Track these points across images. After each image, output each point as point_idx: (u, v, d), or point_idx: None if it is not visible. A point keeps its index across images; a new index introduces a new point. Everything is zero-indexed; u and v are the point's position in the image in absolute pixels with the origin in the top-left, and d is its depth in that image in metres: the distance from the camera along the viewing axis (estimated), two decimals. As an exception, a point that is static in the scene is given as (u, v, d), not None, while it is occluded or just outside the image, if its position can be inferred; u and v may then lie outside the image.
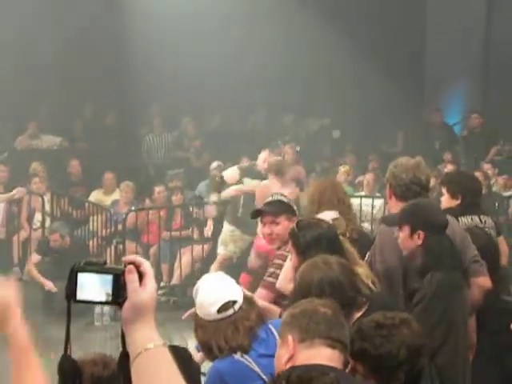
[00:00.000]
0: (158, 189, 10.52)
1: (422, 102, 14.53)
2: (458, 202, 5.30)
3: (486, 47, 14.38)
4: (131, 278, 1.71)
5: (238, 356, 3.08)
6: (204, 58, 13.31)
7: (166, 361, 1.68)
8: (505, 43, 13.30)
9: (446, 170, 9.63)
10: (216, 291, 3.18)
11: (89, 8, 13.08)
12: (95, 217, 10.01)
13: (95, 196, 10.80)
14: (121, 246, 9.27)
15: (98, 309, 8.15)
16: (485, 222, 5.36)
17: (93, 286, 1.72)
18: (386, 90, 12.89)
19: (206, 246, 9.67)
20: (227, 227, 8.99)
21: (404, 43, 14.04)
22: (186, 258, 9.56)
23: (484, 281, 4.34)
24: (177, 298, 9.21)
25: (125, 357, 1.70)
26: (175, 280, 9.57)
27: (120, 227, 9.47)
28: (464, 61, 14.14)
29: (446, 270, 3.97)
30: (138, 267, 1.73)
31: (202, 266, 9.46)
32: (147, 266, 1.74)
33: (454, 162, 10.91)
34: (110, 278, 1.72)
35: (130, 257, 1.77)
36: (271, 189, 7.59)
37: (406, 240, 4.10)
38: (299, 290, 3.31)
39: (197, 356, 3.49)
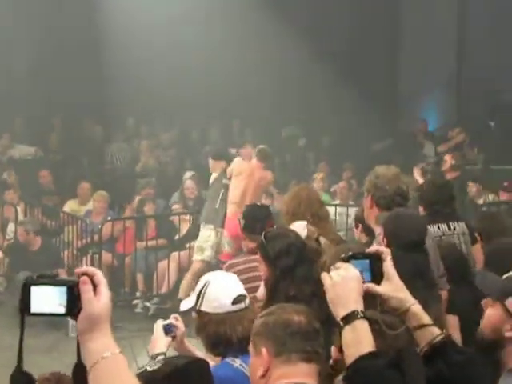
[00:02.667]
0: (138, 197, 10.48)
1: (395, 113, 14.63)
2: (423, 211, 5.35)
3: (459, 59, 14.53)
4: (85, 289, 1.72)
5: (237, 364, 3.11)
6: (177, 67, 13.35)
7: (123, 368, 1.69)
8: (478, 54, 13.45)
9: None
10: (229, 285, 3.32)
11: (64, 18, 13.05)
12: (70, 227, 9.94)
13: (70, 206, 10.71)
14: (97, 257, 9.21)
15: (72, 320, 8.03)
16: (454, 228, 5.36)
17: (47, 299, 1.73)
18: (359, 102, 12.96)
19: (183, 253, 9.56)
20: (203, 233, 8.91)
21: (377, 55, 14.14)
22: (163, 269, 9.51)
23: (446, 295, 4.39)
24: (153, 312, 9.07)
25: (80, 367, 1.71)
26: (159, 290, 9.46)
27: (96, 237, 9.41)
28: (437, 73, 14.27)
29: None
30: (91, 278, 1.74)
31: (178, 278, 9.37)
32: (100, 277, 1.75)
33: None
34: (63, 289, 1.72)
35: (82, 268, 1.77)
36: (256, 170, 8.66)
37: (380, 243, 4.05)
38: None
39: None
